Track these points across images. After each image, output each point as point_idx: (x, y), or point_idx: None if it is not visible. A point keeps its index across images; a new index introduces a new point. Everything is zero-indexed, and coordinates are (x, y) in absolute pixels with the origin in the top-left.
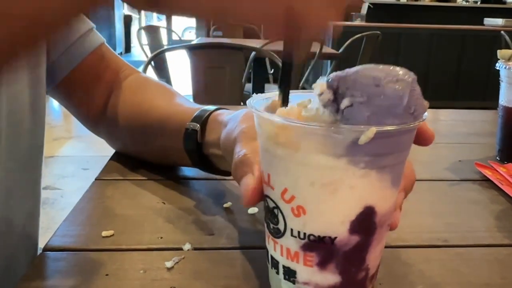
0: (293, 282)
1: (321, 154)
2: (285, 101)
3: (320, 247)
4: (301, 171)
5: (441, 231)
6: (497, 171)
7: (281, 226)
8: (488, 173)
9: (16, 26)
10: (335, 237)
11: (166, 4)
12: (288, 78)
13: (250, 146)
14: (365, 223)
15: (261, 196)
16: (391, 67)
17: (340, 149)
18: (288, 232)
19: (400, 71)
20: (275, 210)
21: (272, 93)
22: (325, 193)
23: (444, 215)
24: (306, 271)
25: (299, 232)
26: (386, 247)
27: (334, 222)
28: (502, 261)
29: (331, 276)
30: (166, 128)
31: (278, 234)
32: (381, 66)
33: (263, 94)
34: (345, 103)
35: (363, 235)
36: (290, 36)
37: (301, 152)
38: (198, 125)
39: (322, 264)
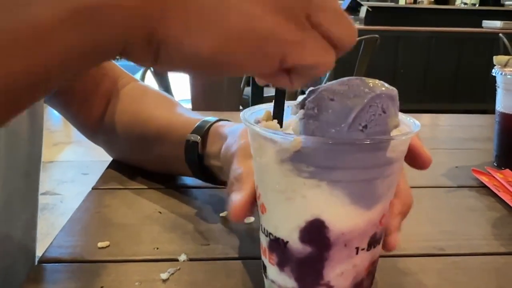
0: (266, 277)
1: (274, 160)
2: (279, 123)
3: (277, 248)
4: (264, 175)
5: (438, 239)
6: (494, 177)
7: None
8: (485, 180)
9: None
10: (287, 241)
11: (164, 61)
12: (282, 102)
13: (246, 164)
14: (315, 235)
15: (247, 212)
16: (372, 82)
17: (286, 156)
18: (260, 228)
19: (373, 86)
20: None
21: (267, 104)
22: (281, 198)
23: (440, 222)
24: (271, 269)
25: (264, 229)
26: (382, 256)
27: (286, 227)
28: (499, 269)
29: (289, 280)
30: (166, 138)
31: (259, 229)
32: (359, 80)
33: (259, 106)
34: (299, 115)
35: (316, 248)
36: (284, 84)
37: (263, 158)
38: (199, 137)
39: (280, 265)
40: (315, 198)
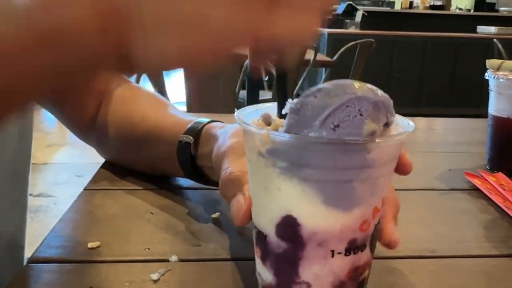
0: (256, 269)
1: (255, 153)
2: (279, 112)
3: (260, 241)
4: (250, 167)
5: (430, 241)
6: (486, 180)
7: None
8: (477, 183)
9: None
10: (266, 235)
11: (141, 69)
12: (284, 91)
13: (238, 163)
14: (289, 232)
15: (249, 217)
16: (365, 87)
17: (264, 150)
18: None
19: (358, 89)
20: None
21: (261, 105)
22: (261, 192)
23: (432, 225)
24: (257, 261)
25: (253, 222)
26: (373, 258)
27: (265, 220)
28: (490, 272)
29: (269, 274)
30: (159, 139)
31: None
32: (351, 83)
33: (253, 106)
34: (285, 110)
35: (290, 244)
36: (277, 59)
37: (248, 151)
38: (192, 138)
39: (263, 259)
40: (288, 194)
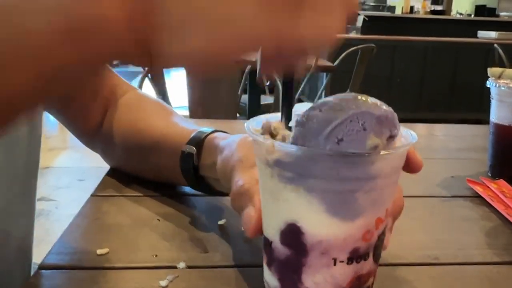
0: (263, 275)
1: (264, 162)
2: (287, 119)
3: (266, 247)
4: (260, 176)
5: (432, 248)
6: (488, 187)
7: None
8: (479, 190)
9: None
10: (272, 242)
11: (159, 63)
12: (290, 98)
13: (247, 175)
14: (293, 239)
15: (260, 227)
16: (369, 101)
17: (272, 160)
18: None
19: (362, 104)
20: None
21: (271, 115)
22: (268, 199)
23: (435, 232)
24: (264, 267)
25: (262, 228)
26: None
27: (271, 227)
28: (492, 278)
29: (274, 279)
30: (162, 148)
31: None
32: (356, 97)
33: (263, 116)
34: (291, 122)
35: (294, 251)
36: (287, 65)
37: (258, 161)
38: (194, 148)
39: (268, 265)
40: (294, 203)
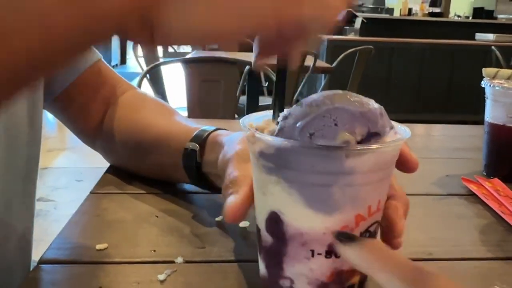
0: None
1: (254, 155)
2: (280, 109)
3: (257, 235)
4: (252, 168)
5: (427, 245)
6: (483, 186)
7: None
8: (474, 188)
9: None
10: (260, 229)
11: (159, 38)
12: (283, 86)
13: (242, 168)
14: (275, 228)
15: (242, 214)
16: (355, 99)
17: (257, 152)
18: None
19: (340, 100)
20: None
21: (266, 112)
22: (257, 189)
23: (430, 229)
24: (258, 255)
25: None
26: None
27: (259, 215)
28: (485, 274)
29: (263, 267)
30: (164, 146)
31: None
32: (340, 94)
33: (257, 113)
34: (280, 117)
35: (276, 239)
36: (287, 50)
37: (250, 153)
38: (198, 145)
39: (259, 252)
40: (276, 194)
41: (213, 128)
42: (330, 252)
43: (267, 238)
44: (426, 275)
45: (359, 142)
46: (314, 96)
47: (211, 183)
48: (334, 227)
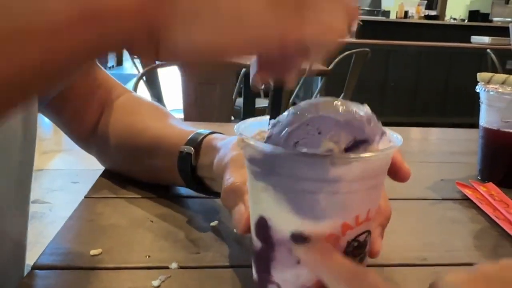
0: None
1: (246, 161)
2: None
3: (251, 239)
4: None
5: (421, 250)
6: (477, 190)
7: None
8: (468, 193)
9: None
10: (251, 233)
11: (164, 54)
12: (279, 105)
13: (239, 173)
14: (263, 233)
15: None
16: (343, 107)
17: (247, 157)
18: None
19: (325, 109)
20: None
21: (261, 118)
22: (251, 196)
23: (424, 234)
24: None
25: None
26: (367, 265)
27: (252, 220)
28: None
29: (254, 271)
30: (159, 149)
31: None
32: (327, 102)
33: (253, 119)
34: (270, 125)
35: (264, 244)
36: (287, 69)
37: (244, 159)
38: (193, 149)
39: (252, 256)
40: (265, 199)
41: (208, 131)
42: None
43: (257, 242)
44: (361, 273)
45: (346, 150)
46: (302, 104)
47: (206, 187)
48: (319, 235)
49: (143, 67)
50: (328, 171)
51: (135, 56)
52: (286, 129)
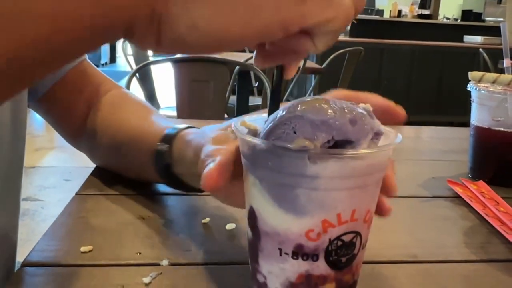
0: None
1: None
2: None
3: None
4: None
5: (411, 247)
6: (468, 188)
7: None
8: (459, 190)
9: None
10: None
11: (166, 42)
12: (277, 104)
13: (218, 144)
14: (251, 223)
15: (221, 179)
16: (317, 105)
17: (241, 150)
18: None
19: (303, 108)
20: None
21: (257, 114)
22: (244, 186)
23: (415, 231)
24: None
25: None
26: None
27: (246, 208)
28: (468, 276)
29: (249, 259)
30: (137, 146)
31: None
32: (317, 101)
33: (249, 115)
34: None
35: (253, 234)
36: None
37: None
38: (167, 145)
39: (247, 246)
40: (252, 190)
41: (185, 126)
42: (297, 254)
43: (249, 232)
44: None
45: (330, 148)
46: (291, 102)
47: (186, 184)
48: (299, 229)
49: (136, 63)
50: (306, 166)
51: (137, 45)
52: (269, 125)
